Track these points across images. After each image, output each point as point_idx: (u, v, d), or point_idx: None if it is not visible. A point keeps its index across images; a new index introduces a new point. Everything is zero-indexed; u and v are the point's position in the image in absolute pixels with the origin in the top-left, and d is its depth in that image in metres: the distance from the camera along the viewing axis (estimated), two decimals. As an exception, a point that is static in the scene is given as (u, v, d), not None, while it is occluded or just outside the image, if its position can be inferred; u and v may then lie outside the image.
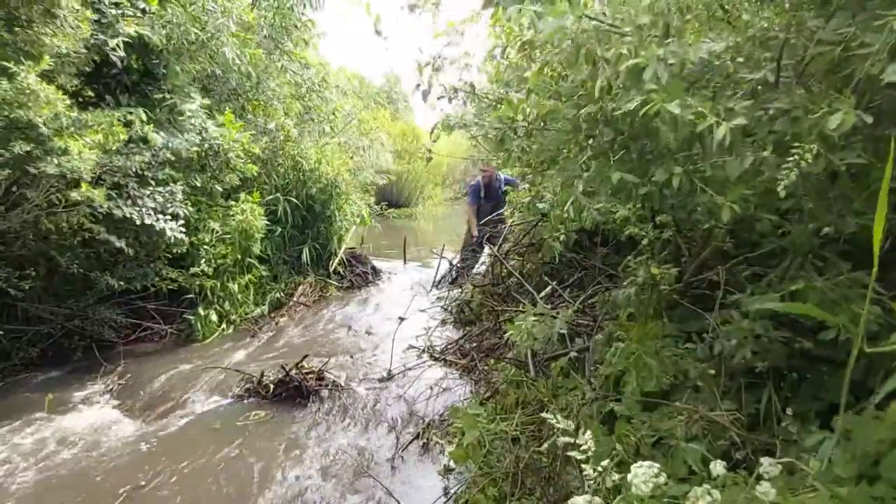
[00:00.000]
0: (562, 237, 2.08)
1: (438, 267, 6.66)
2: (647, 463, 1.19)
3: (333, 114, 7.35)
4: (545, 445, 2.04)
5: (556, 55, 1.62)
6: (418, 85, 2.42)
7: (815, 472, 1.12)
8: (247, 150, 4.92)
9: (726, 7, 1.67)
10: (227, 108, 5.17)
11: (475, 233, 6.21)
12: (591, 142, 1.65)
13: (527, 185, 3.97)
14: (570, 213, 1.70)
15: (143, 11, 4.39)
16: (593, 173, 1.64)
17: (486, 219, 6.07)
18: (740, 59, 1.47)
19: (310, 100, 6.97)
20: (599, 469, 1.28)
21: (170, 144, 4.18)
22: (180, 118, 4.46)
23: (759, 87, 1.45)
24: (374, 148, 8.42)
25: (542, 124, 1.87)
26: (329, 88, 7.40)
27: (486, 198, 6.23)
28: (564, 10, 1.53)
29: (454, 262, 6.63)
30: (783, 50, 1.41)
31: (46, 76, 3.45)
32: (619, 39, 1.53)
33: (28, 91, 3.20)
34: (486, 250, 5.82)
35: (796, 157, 1.18)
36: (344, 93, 8.85)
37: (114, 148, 3.77)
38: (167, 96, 4.49)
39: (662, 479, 1.14)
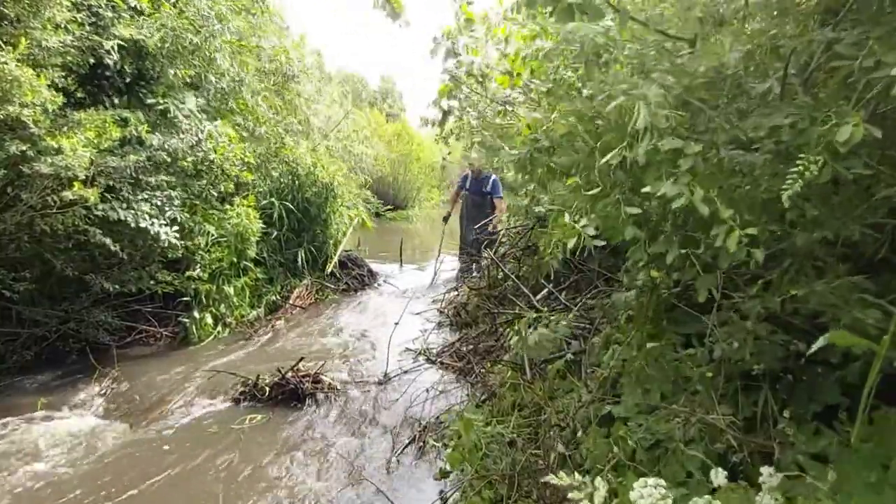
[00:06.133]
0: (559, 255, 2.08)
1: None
2: (651, 481, 1.10)
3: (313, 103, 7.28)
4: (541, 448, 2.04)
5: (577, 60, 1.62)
6: (448, 71, 2.37)
7: (826, 485, 1.10)
8: (243, 160, 4.90)
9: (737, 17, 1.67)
10: (218, 108, 5.13)
11: (450, 210, 7.48)
12: (605, 175, 1.63)
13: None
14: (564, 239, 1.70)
15: (136, 11, 4.36)
16: (601, 211, 1.63)
17: (482, 222, 6.12)
18: (751, 68, 1.47)
19: (287, 90, 6.88)
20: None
21: (166, 145, 4.16)
22: (176, 120, 4.43)
23: (768, 99, 1.45)
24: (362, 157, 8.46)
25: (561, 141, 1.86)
26: (307, 72, 7.35)
27: (471, 189, 6.90)
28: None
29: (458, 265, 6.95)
30: (790, 59, 1.41)
31: (34, 71, 3.41)
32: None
33: (9, 77, 3.13)
34: (483, 254, 5.89)
35: (801, 167, 1.17)
36: (341, 84, 8.83)
37: (106, 146, 3.73)
38: (160, 100, 4.47)
39: (669, 502, 1.07)
